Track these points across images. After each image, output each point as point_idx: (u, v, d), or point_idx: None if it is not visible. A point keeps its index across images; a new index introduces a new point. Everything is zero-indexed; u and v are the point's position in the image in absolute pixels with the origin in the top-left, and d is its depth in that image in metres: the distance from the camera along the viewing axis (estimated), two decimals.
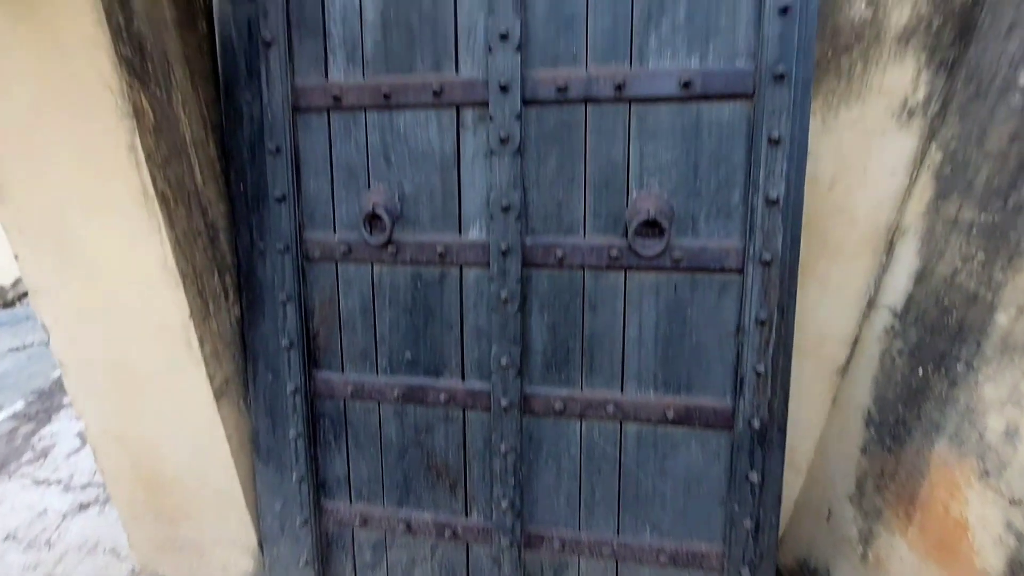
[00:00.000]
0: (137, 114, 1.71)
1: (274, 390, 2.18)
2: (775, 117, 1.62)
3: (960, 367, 1.61)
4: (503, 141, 1.77)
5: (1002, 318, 1.48)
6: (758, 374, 1.75)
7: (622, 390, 1.91)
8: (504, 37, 1.72)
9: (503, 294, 1.86)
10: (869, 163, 1.86)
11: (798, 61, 1.59)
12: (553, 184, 1.82)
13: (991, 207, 1.54)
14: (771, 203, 1.66)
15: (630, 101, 1.72)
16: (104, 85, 1.67)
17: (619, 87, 1.70)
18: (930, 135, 1.78)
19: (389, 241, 1.93)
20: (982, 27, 1.62)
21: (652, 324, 1.84)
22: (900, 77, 1.76)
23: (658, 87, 1.69)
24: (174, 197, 1.87)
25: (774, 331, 1.73)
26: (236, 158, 2.04)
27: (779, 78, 1.59)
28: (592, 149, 1.77)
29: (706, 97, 1.68)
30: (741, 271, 1.74)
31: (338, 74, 1.91)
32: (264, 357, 2.16)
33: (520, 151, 1.78)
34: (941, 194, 1.73)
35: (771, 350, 1.75)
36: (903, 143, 1.82)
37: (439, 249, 1.91)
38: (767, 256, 1.68)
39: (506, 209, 1.81)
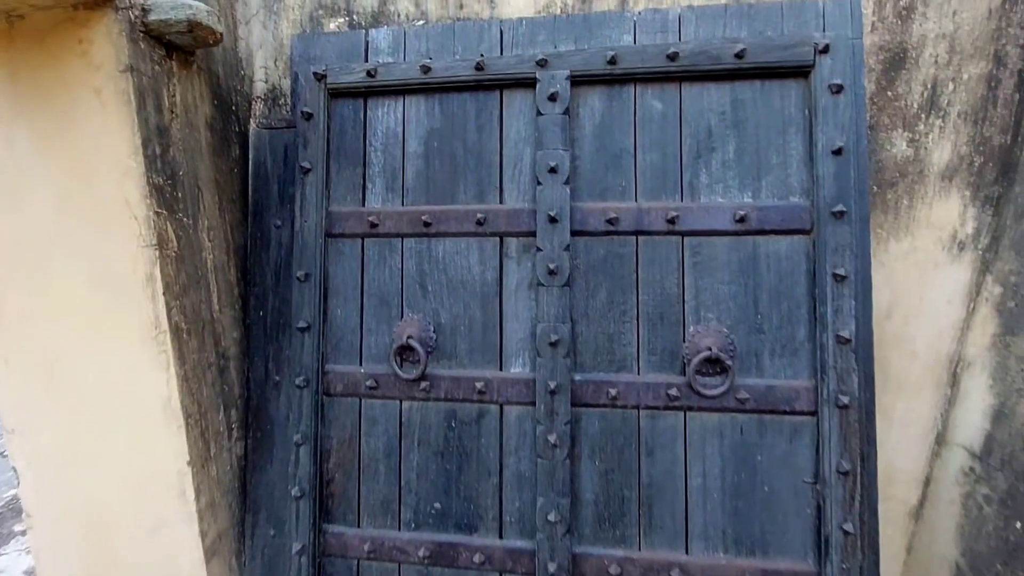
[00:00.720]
0: (161, 243, 1.59)
1: (275, 547, 1.86)
2: (838, 254, 1.56)
3: None
4: (551, 272, 1.68)
5: None
6: (846, 533, 1.54)
7: (687, 550, 1.66)
8: (553, 170, 1.69)
9: (551, 437, 1.67)
10: (924, 293, 1.81)
11: (854, 199, 1.57)
12: (604, 317, 1.70)
13: None
14: (843, 342, 1.55)
15: (683, 234, 1.66)
16: (130, 214, 1.56)
17: (671, 220, 1.65)
18: (983, 267, 1.75)
19: (423, 376, 1.75)
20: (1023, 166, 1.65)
21: (718, 472, 1.65)
22: (947, 212, 1.76)
23: (712, 221, 1.64)
24: (188, 328, 1.70)
25: (858, 482, 1.55)
26: (258, 283, 1.90)
27: (838, 215, 1.56)
28: (645, 281, 1.69)
29: (762, 232, 1.63)
30: (814, 413, 1.60)
31: (376, 201, 1.84)
32: (267, 507, 1.87)
33: (569, 282, 1.69)
34: (1009, 329, 1.66)
35: (857, 504, 1.55)
36: (957, 275, 1.78)
37: (478, 385, 1.74)
38: (844, 399, 1.54)
39: (554, 344, 1.67)
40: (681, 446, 1.66)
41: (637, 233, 1.69)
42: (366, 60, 1.85)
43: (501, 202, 1.77)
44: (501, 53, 1.77)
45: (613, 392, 1.67)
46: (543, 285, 1.69)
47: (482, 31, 1.79)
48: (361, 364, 1.84)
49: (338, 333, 1.86)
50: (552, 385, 1.67)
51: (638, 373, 1.69)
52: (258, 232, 1.92)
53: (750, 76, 1.65)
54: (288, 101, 2.03)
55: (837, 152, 1.57)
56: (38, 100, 1.53)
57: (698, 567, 1.64)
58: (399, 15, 1.93)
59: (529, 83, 1.75)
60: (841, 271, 1.55)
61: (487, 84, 1.77)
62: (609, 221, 1.68)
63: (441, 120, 1.82)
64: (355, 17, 1.95)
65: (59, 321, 1.63)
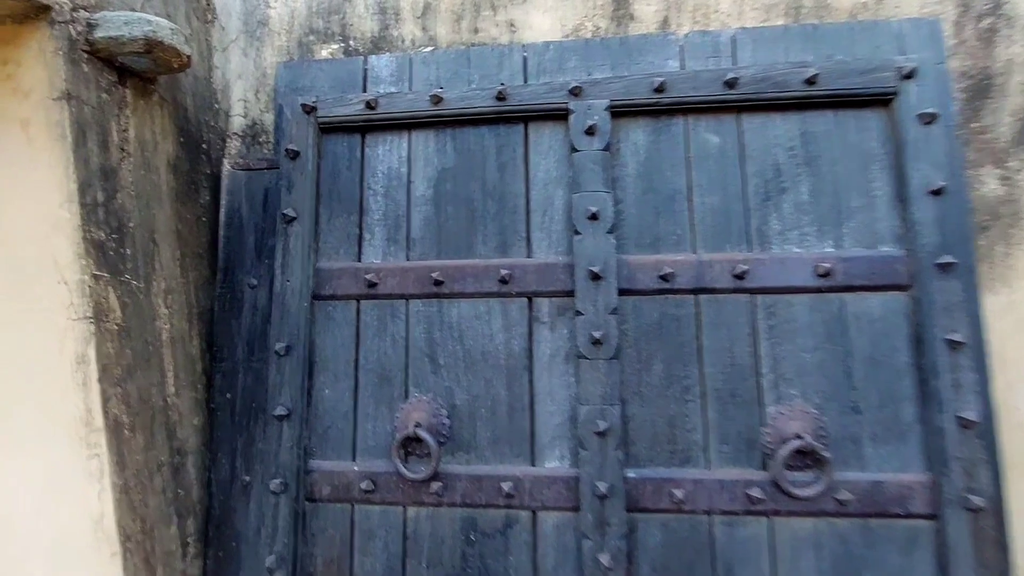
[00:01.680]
0: (98, 315, 1.23)
1: None
2: (950, 315, 1.27)
3: None
4: (596, 342, 1.35)
5: None
6: None
7: None
8: (594, 217, 1.39)
9: (603, 557, 1.29)
10: None
11: (959, 247, 1.30)
12: (661, 396, 1.37)
13: None
14: (967, 425, 1.24)
15: (755, 291, 1.36)
16: (58, 278, 1.20)
17: (739, 275, 1.36)
18: None
19: (434, 475, 1.38)
20: None
21: None
22: None
23: (789, 275, 1.35)
24: (131, 422, 1.31)
25: None
26: (226, 358, 1.54)
27: (945, 268, 1.28)
28: (710, 350, 1.37)
29: (850, 288, 1.34)
30: (934, 517, 1.26)
31: (375, 255, 1.52)
32: None
33: (617, 354, 1.36)
34: None
35: None
36: None
37: (504, 486, 1.37)
38: (974, 500, 1.22)
39: (603, 433, 1.32)
40: (767, 562, 1.30)
41: (698, 291, 1.38)
42: (364, 90, 1.57)
43: (529, 255, 1.46)
44: (525, 81, 1.50)
45: (678, 493, 1.32)
46: (585, 358, 1.36)
47: (502, 57, 1.53)
48: (355, 459, 1.46)
49: (326, 420, 1.48)
50: (602, 487, 1.31)
51: (708, 468, 1.34)
52: (228, 293, 1.57)
53: (822, 105, 1.40)
54: (271, 138, 1.72)
55: (937, 192, 1.31)
56: None
57: None
58: (403, 41, 1.67)
59: (560, 115, 1.47)
60: (957, 336, 1.26)
61: (510, 116, 1.49)
62: (663, 277, 1.38)
63: (455, 158, 1.52)
64: (351, 43, 1.68)
65: None
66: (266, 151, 1.69)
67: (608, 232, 1.39)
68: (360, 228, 1.54)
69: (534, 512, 1.38)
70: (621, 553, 1.30)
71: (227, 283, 1.57)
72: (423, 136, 1.54)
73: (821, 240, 1.37)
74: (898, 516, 1.27)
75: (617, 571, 1.29)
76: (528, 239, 1.47)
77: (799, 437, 1.28)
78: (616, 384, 1.35)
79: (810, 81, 1.37)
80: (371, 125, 1.55)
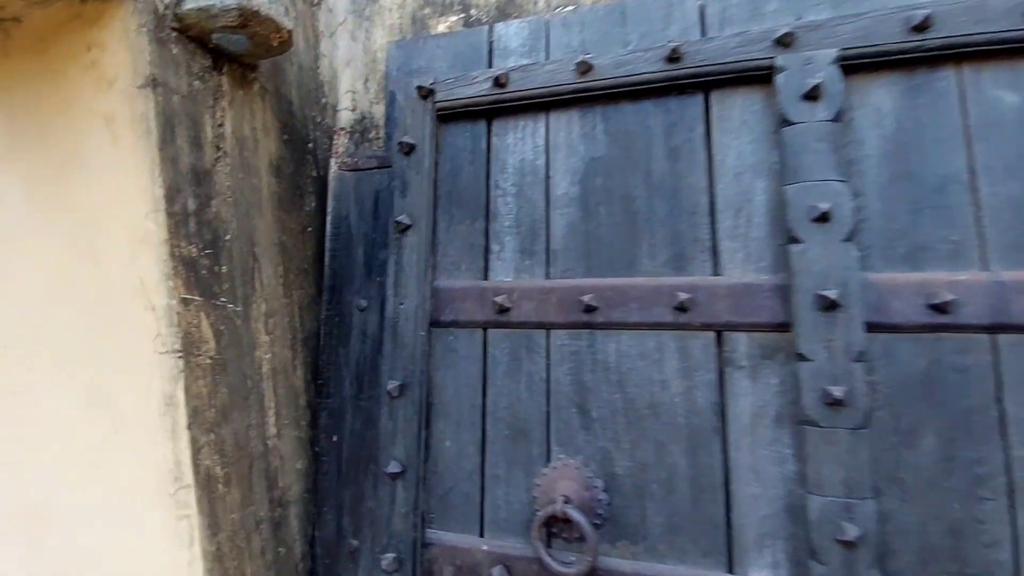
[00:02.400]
0: (188, 348, 1.01)
1: None
2: None
3: None
4: (835, 402, 0.91)
5: None
6: None
7: None
8: (823, 218, 0.95)
9: None
10: None
11: None
12: (935, 488, 0.90)
13: None
14: None
15: None
16: (145, 304, 0.99)
17: None
18: None
19: (591, 572, 1.01)
20: None
21: None
22: None
23: None
24: (225, 476, 1.09)
25: None
26: (333, 394, 1.28)
27: None
28: (1014, 419, 0.88)
29: None
30: None
31: (505, 271, 1.19)
32: None
33: (867, 421, 0.91)
34: None
35: None
36: None
37: None
38: None
39: (851, 544, 0.88)
40: None
41: (995, 329, 0.89)
42: (490, 66, 1.26)
43: (716, 272, 1.06)
44: (704, 34, 1.10)
45: None
46: (815, 425, 0.93)
47: (670, 7, 1.14)
48: (482, 534, 1.14)
49: (447, 480, 1.18)
50: None
51: None
52: (335, 317, 1.32)
53: None
54: (381, 133, 1.47)
55: None
56: (36, 135, 1.04)
57: None
58: (535, 3, 1.34)
59: (758, 77, 1.05)
60: None
61: (685, 84, 1.10)
62: (935, 307, 0.91)
63: (607, 144, 1.16)
64: (473, 12, 1.38)
65: (40, 461, 1.08)
66: (376, 148, 1.43)
67: (845, 240, 0.95)
68: (486, 237, 1.22)
69: None
70: None
71: (334, 304, 1.32)
72: (564, 118, 1.19)
73: None
74: None
75: None
76: (714, 250, 1.06)
77: None
78: (866, 467, 0.90)
79: None
80: (500, 108, 1.22)
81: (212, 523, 1.06)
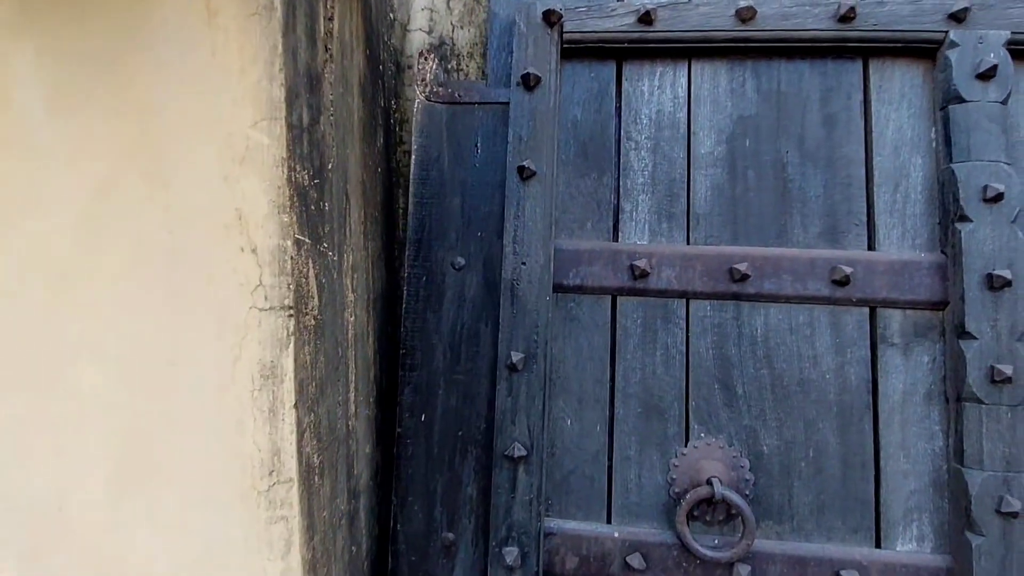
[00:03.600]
0: (299, 304, 0.77)
1: None
2: None
3: None
4: (1001, 379, 0.91)
5: None
6: None
7: None
8: (995, 199, 0.94)
9: None
10: None
11: None
12: None
13: None
14: None
15: None
16: (242, 244, 0.73)
17: None
18: None
19: (747, 555, 0.94)
20: None
21: None
22: None
23: None
24: (320, 465, 0.86)
25: None
26: (420, 367, 1.08)
27: None
28: None
29: None
30: None
31: (639, 233, 1.06)
32: None
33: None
34: None
35: None
36: None
37: (844, 573, 0.94)
38: None
39: (1013, 515, 0.90)
40: None
41: None
42: None
43: (872, 247, 1.02)
44: None
45: None
46: (977, 401, 0.93)
47: None
48: (610, 520, 1.02)
49: (566, 463, 1.04)
50: None
51: None
52: (423, 276, 1.10)
53: None
54: (464, 64, 1.24)
55: None
56: None
57: None
58: None
59: (922, 51, 1.02)
60: None
61: (847, 47, 1.03)
62: None
63: (757, 103, 1.06)
64: None
65: (72, 457, 0.78)
66: (458, 80, 1.20)
67: (1012, 222, 0.95)
68: (616, 195, 1.08)
69: None
70: None
71: (420, 262, 1.10)
72: (710, 69, 1.08)
73: None
74: None
75: None
76: (871, 224, 1.02)
77: None
78: (1021, 440, 0.92)
79: None
80: (636, 49, 1.07)
81: (310, 524, 0.84)
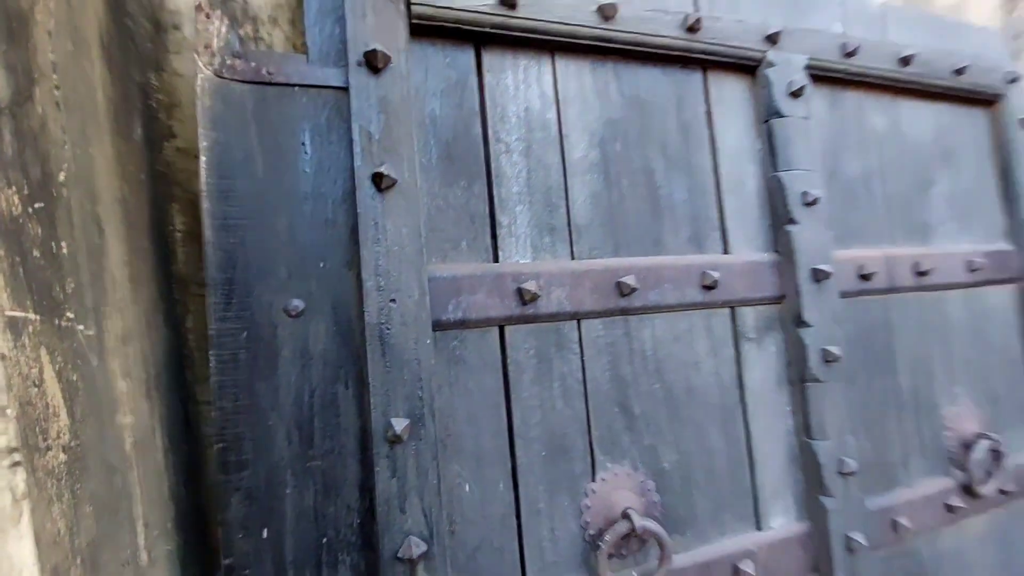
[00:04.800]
0: (30, 438, 0.40)
1: None
2: None
3: None
4: (829, 359, 1.04)
5: None
6: None
7: None
8: (812, 203, 1.06)
9: None
10: None
11: None
12: (869, 414, 1.14)
13: None
14: None
15: (928, 289, 1.24)
16: None
17: (922, 273, 1.21)
18: None
19: None
20: None
21: None
22: None
23: (950, 271, 1.26)
24: None
25: None
26: (251, 463, 0.74)
27: None
28: (901, 356, 1.20)
29: (990, 282, 1.32)
30: None
31: (521, 251, 0.91)
32: None
33: (850, 372, 1.08)
34: None
35: None
36: None
37: (743, 566, 0.97)
38: None
39: (848, 473, 1.03)
40: (959, 573, 1.21)
41: (889, 291, 1.19)
42: None
43: (727, 251, 1.06)
44: (695, 6, 1.07)
45: (903, 522, 1.12)
46: (816, 381, 1.04)
47: None
48: None
49: (471, 538, 0.84)
50: (859, 539, 1.02)
51: (909, 485, 1.18)
52: (241, 331, 0.75)
53: (957, 98, 1.34)
54: (267, 32, 0.90)
55: None
56: None
57: None
58: None
59: (746, 67, 1.09)
60: None
61: (691, 57, 1.04)
62: (863, 276, 1.14)
63: (623, 108, 1.01)
64: None
65: None
66: (252, 56, 0.86)
67: (823, 222, 1.08)
68: (491, 206, 0.90)
69: None
70: None
71: (234, 311, 0.75)
72: (574, 66, 0.98)
73: (962, 235, 1.32)
74: None
75: None
76: (723, 229, 1.06)
77: (988, 438, 1.20)
78: (845, 410, 1.07)
79: (959, 72, 1.28)
80: (498, 35, 0.91)
81: None
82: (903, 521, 1.11)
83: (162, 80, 0.87)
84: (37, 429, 0.41)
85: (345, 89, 0.81)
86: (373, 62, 0.79)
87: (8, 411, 0.37)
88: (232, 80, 0.77)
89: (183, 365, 0.86)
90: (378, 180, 0.78)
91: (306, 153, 0.80)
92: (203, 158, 0.75)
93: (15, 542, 0.39)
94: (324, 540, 0.76)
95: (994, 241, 1.36)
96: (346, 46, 0.80)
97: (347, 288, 0.80)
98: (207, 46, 0.77)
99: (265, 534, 0.74)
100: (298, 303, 0.78)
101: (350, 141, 0.80)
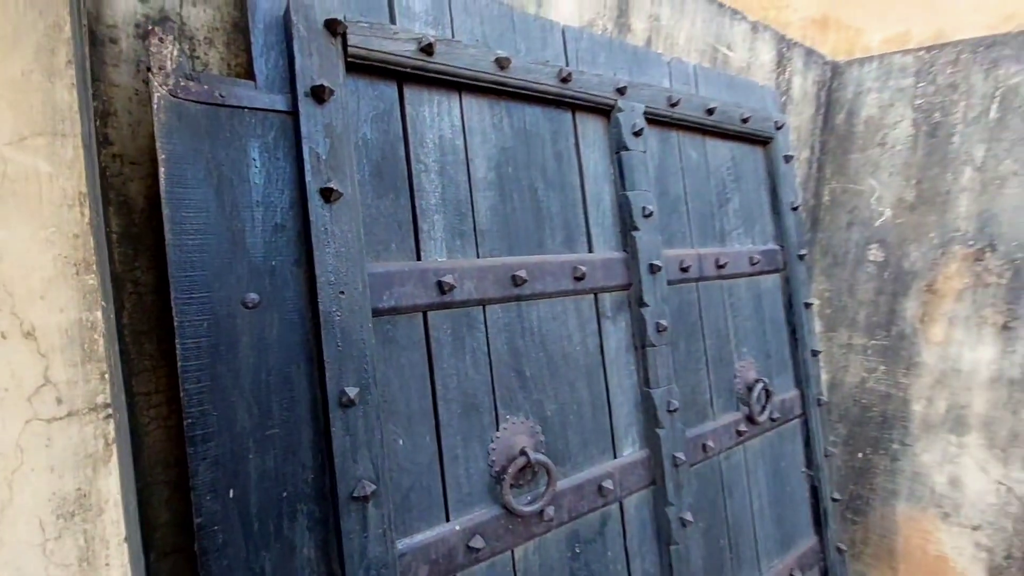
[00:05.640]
0: (115, 399, 0.53)
1: None
2: (805, 287, 1.92)
3: (896, 446, 2.21)
4: (661, 329, 1.42)
5: (917, 407, 2.15)
6: (835, 500, 1.92)
7: (760, 572, 1.71)
8: (650, 215, 1.43)
9: (686, 515, 1.41)
10: None
11: (804, 244, 1.97)
12: (686, 368, 1.56)
13: (877, 335, 2.26)
14: (815, 354, 1.92)
15: (725, 277, 1.70)
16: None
17: (721, 265, 1.67)
18: None
19: (552, 499, 1.18)
20: (824, 221, 2.43)
21: (766, 490, 1.76)
22: None
23: (739, 264, 1.74)
24: None
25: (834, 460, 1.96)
26: (216, 435, 0.87)
27: (801, 257, 1.92)
28: (707, 325, 1.64)
29: (762, 272, 1.84)
30: (803, 415, 1.91)
31: (437, 250, 1.13)
32: None
33: (673, 338, 1.47)
34: (830, 327, 2.40)
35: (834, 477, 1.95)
36: None
37: (605, 485, 1.30)
38: (822, 398, 1.91)
39: (674, 411, 1.42)
40: (745, 477, 1.70)
41: (699, 279, 1.62)
42: (392, 21, 1.11)
43: (591, 250, 1.38)
44: (567, 63, 1.37)
45: (710, 444, 1.55)
46: (652, 345, 1.41)
47: (545, 32, 1.34)
48: (449, 518, 1.09)
49: (404, 482, 1.04)
50: (681, 456, 1.42)
51: (714, 419, 1.63)
52: (203, 322, 0.86)
53: (744, 139, 1.83)
54: (203, 51, 0.99)
55: (794, 208, 1.93)
56: None
57: None
58: None
59: (603, 110, 1.42)
60: (809, 300, 1.92)
61: (564, 102, 1.34)
62: (683, 269, 1.55)
63: (513, 138, 1.26)
64: None
65: None
66: (196, 73, 0.95)
67: (656, 229, 1.46)
68: (414, 214, 1.10)
69: (620, 502, 1.36)
70: (693, 507, 1.45)
71: (195, 304, 0.86)
72: (476, 104, 1.21)
73: (748, 237, 1.82)
74: (791, 419, 1.87)
75: (696, 523, 1.44)
76: (588, 234, 1.38)
77: (760, 381, 1.70)
78: (674, 366, 1.46)
79: (744, 120, 1.77)
80: (415, 76, 1.11)
81: None
82: (709, 443, 1.54)
83: (98, 90, 0.92)
84: (114, 391, 0.53)
85: (290, 113, 0.95)
86: (320, 94, 0.94)
87: (104, 375, 0.50)
88: (187, 100, 0.87)
89: (121, 360, 0.92)
90: (327, 194, 0.93)
91: (256, 167, 0.93)
92: (163, 170, 0.84)
93: (104, 478, 0.52)
94: (284, 494, 0.91)
95: (767, 243, 1.88)
96: (294, 78, 0.94)
97: (297, 283, 0.94)
98: (161, 68, 0.86)
99: (232, 494, 0.87)
100: (254, 296, 0.91)
101: (295, 157, 0.94)
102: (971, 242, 2.00)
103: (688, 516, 1.41)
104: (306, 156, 0.93)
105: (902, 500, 2.21)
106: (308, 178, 0.93)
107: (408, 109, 1.11)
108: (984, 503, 2.00)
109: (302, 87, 0.93)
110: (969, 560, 2.03)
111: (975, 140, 1.98)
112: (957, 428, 2.05)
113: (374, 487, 0.93)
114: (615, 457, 1.36)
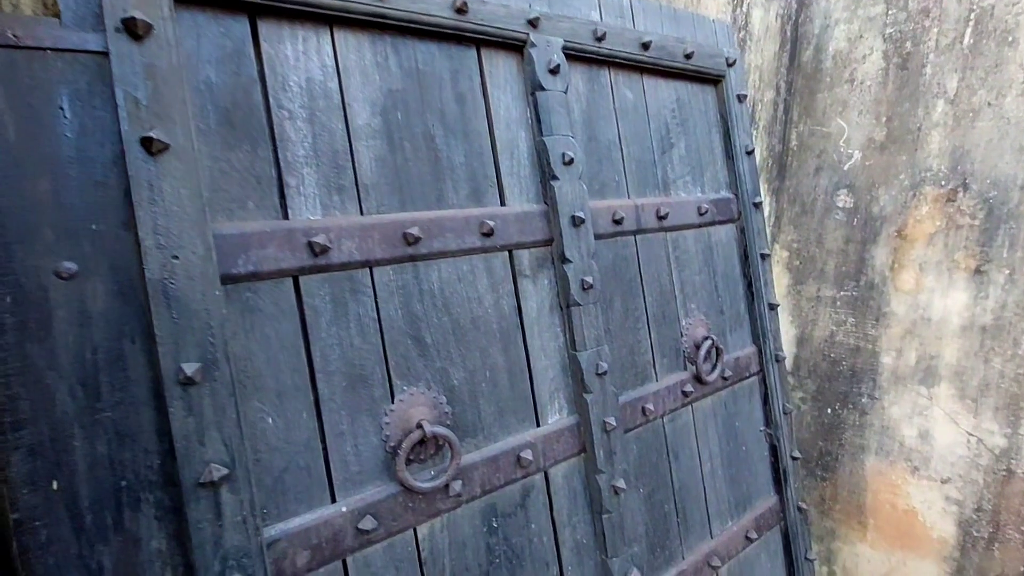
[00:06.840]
0: None
1: None
2: (761, 237, 1.77)
3: (865, 400, 2.09)
4: (586, 287, 1.29)
5: (886, 359, 2.02)
6: (795, 458, 1.81)
7: (711, 535, 1.62)
8: (570, 162, 1.28)
9: (619, 483, 1.31)
10: None
11: (759, 191, 1.80)
12: (622, 328, 1.43)
13: (846, 286, 2.11)
14: (772, 308, 1.78)
15: (668, 230, 1.56)
16: None
17: (662, 217, 1.52)
18: (774, 239, 2.31)
19: (456, 474, 1.08)
20: (791, 167, 2.25)
21: (718, 451, 1.66)
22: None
23: (685, 215, 1.59)
24: None
25: (792, 418, 1.84)
26: (31, 422, 0.76)
27: (756, 205, 1.76)
28: (647, 282, 1.50)
29: (713, 223, 1.69)
30: (760, 372, 1.79)
31: (311, 209, 0.99)
32: None
33: (600, 296, 1.34)
34: (798, 280, 2.26)
35: (794, 434, 1.85)
36: None
37: (524, 455, 1.20)
38: (781, 354, 1.79)
39: (603, 374, 1.31)
40: (693, 439, 1.59)
41: (637, 232, 1.47)
42: None
43: (503, 203, 1.24)
44: None
45: (649, 407, 1.44)
46: (577, 305, 1.28)
47: None
48: (335, 499, 0.99)
49: (276, 463, 0.94)
50: (612, 422, 1.31)
51: (656, 380, 1.51)
52: (4, 296, 0.74)
53: (691, 78, 1.65)
54: None
55: (749, 152, 1.76)
56: None
57: (722, 546, 1.62)
58: None
59: (514, 46, 1.26)
60: (765, 251, 1.77)
61: (464, 36, 1.18)
62: (616, 221, 1.41)
63: (402, 79, 1.11)
64: None
65: None
66: None
67: (579, 178, 1.31)
68: (278, 168, 0.96)
69: (546, 472, 1.26)
70: (628, 474, 1.35)
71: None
72: (354, 40, 1.05)
73: (696, 186, 1.66)
74: (747, 377, 1.75)
75: (630, 492, 1.34)
76: (500, 185, 1.23)
77: (709, 340, 1.57)
78: (601, 326, 1.33)
79: (688, 56, 1.58)
80: (272, 8, 0.95)
81: None
82: (649, 406, 1.43)
83: None
84: None
85: (107, 54, 0.80)
86: (133, 29, 0.79)
87: None
88: None
89: None
90: (147, 144, 0.80)
91: (66, 117, 0.79)
92: None
93: None
94: (123, 483, 0.81)
95: (720, 191, 1.73)
96: (103, 11, 0.79)
97: (126, 248, 0.82)
98: None
99: (55, 486, 0.77)
100: (70, 265, 0.79)
101: (112, 106, 0.80)
102: (943, 182, 1.83)
103: (621, 483, 1.31)
104: (120, 102, 0.79)
105: (871, 455, 2.10)
106: (124, 127, 0.79)
107: (264, 47, 0.96)
108: (954, 456, 1.89)
109: (111, 21, 0.79)
110: (939, 515, 1.94)
111: (948, 70, 1.78)
112: (927, 379, 1.93)
113: (226, 471, 0.83)
114: (538, 425, 1.25)
